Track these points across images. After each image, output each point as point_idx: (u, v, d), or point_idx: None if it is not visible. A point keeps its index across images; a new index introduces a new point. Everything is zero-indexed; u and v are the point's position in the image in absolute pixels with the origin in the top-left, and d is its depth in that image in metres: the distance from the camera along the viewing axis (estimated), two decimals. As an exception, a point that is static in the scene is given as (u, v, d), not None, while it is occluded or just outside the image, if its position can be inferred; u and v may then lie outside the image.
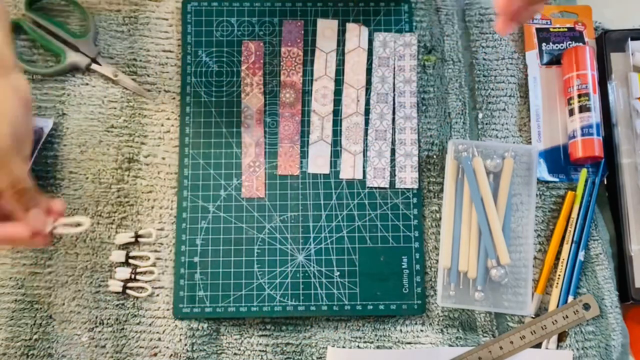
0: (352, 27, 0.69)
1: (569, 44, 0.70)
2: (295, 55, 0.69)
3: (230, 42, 0.69)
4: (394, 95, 0.68)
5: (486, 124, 0.68)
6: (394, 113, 0.68)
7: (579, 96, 0.66)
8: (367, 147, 0.67)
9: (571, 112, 0.67)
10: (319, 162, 0.66)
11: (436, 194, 0.66)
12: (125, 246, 0.64)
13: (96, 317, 0.62)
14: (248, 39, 0.69)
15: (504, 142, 0.68)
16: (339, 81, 0.68)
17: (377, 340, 0.63)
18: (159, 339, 0.62)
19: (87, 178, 0.65)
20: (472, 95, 0.69)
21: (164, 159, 0.66)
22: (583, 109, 0.66)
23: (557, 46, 0.70)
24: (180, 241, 0.64)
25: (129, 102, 0.67)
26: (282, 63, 0.69)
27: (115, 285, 0.63)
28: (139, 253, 0.64)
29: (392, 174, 0.66)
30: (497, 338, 0.62)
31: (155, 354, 0.61)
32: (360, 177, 0.66)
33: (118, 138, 0.66)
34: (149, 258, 0.63)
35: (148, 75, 0.68)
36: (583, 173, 0.66)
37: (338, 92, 0.68)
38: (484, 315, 0.64)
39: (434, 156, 0.67)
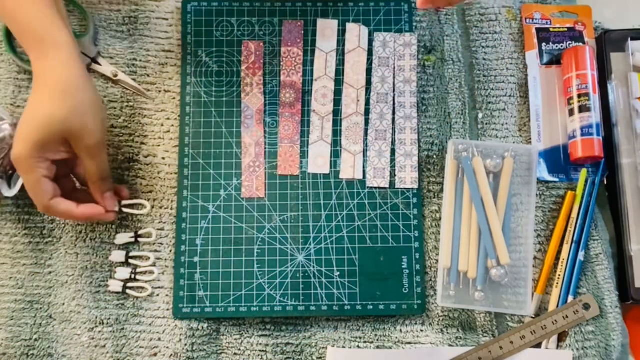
0: (352, 27, 0.69)
1: (569, 44, 0.70)
2: (295, 55, 0.69)
3: (230, 42, 0.69)
4: (394, 95, 0.68)
5: (486, 124, 0.68)
6: (394, 113, 0.68)
7: (579, 96, 0.66)
8: (367, 147, 0.67)
9: (571, 112, 0.67)
10: (319, 162, 0.66)
11: (436, 194, 0.66)
12: (125, 246, 0.64)
13: (96, 317, 0.62)
14: (248, 39, 0.69)
15: (504, 142, 0.68)
16: (339, 81, 0.68)
17: (377, 340, 0.63)
18: (159, 339, 0.62)
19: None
20: (472, 95, 0.69)
21: (164, 159, 0.66)
22: (583, 109, 0.66)
23: (557, 46, 0.70)
24: (180, 241, 0.64)
25: (128, 102, 0.67)
26: (282, 63, 0.69)
27: (115, 285, 0.63)
28: (139, 253, 0.64)
29: (392, 174, 0.66)
30: (497, 338, 0.62)
31: (155, 354, 0.61)
32: (360, 177, 0.66)
33: (118, 138, 0.66)
34: (149, 258, 0.64)
35: (148, 75, 0.68)
36: (583, 173, 0.66)
37: (338, 92, 0.68)
38: (484, 315, 0.64)
39: (434, 156, 0.67)
